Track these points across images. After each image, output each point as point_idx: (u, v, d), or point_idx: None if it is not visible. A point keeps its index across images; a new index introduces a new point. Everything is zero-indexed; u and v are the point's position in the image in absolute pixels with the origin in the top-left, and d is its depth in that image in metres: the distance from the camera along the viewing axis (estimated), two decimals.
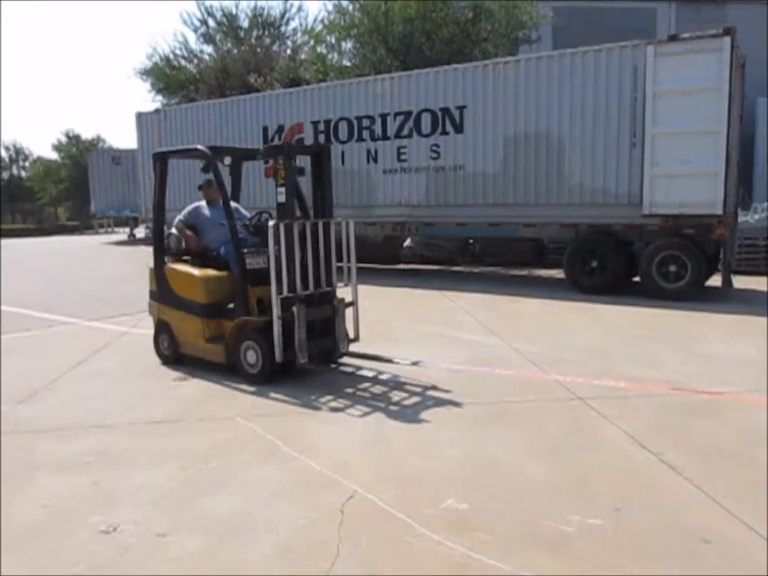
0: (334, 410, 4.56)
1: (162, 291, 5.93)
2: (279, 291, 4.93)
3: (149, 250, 6.20)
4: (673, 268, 9.26)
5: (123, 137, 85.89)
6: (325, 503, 3.12)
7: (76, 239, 29.47)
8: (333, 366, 5.68)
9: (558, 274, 12.35)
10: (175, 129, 14.45)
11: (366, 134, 11.96)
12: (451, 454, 3.72)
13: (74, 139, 41.85)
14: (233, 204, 5.84)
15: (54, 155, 43.20)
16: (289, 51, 25.08)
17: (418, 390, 4.97)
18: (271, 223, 4.95)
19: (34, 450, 3.97)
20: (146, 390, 5.19)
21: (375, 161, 11.91)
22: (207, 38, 24.58)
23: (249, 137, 13.34)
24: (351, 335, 5.59)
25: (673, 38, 9.06)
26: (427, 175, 11.37)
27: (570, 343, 6.49)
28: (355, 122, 12.04)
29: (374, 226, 12.63)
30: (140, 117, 15.28)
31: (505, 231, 11.29)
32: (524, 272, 13.10)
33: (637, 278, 9.84)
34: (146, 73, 24.39)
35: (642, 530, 2.83)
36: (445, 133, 11.10)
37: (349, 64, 17.40)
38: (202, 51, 24.64)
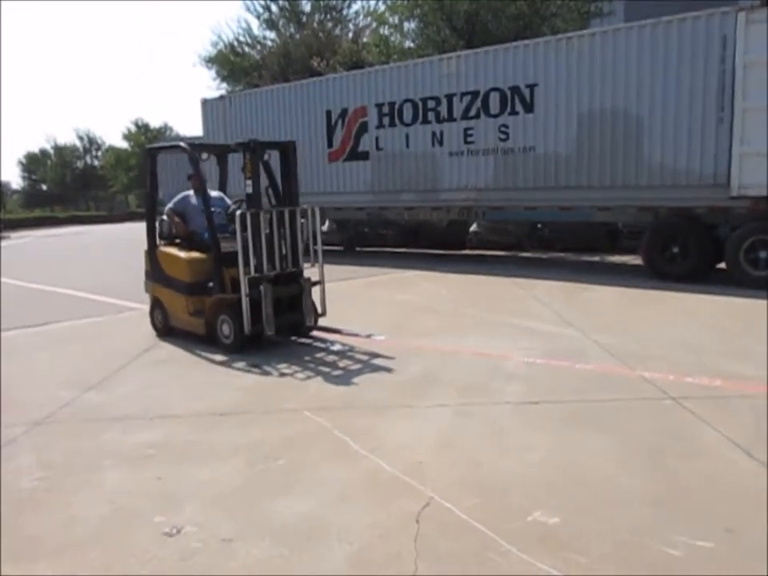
0: (407, 406, 4.33)
1: (155, 271, 6.60)
2: (247, 272, 5.51)
3: None
4: (763, 254, 8.60)
5: (189, 124, 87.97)
6: (399, 510, 2.89)
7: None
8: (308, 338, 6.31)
9: (632, 260, 11.76)
10: (239, 114, 14.44)
11: (431, 115, 11.61)
12: (532, 459, 3.42)
13: (142, 128, 43.04)
14: (218, 193, 6.72)
15: (124, 144, 44.56)
16: (351, 35, 24.86)
17: (487, 383, 4.68)
18: (238, 212, 5.56)
19: (99, 439, 3.90)
20: (210, 379, 5.09)
21: (441, 143, 11.55)
22: (270, 24, 24.59)
23: (312, 121, 13.22)
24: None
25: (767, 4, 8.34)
26: (495, 157, 10.95)
27: (654, 336, 6.04)
28: (420, 104, 11.70)
29: (439, 211, 12.32)
30: (205, 103, 15.35)
31: (577, 215, 10.77)
32: (596, 258, 12.54)
33: (721, 265, 9.20)
34: (211, 60, 24.66)
35: (761, 557, 2.48)
36: (514, 113, 10.64)
37: (412, 45, 17.01)
38: (264, 37, 24.73)
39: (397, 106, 12.00)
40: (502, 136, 10.81)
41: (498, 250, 13.82)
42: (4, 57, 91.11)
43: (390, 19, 17.75)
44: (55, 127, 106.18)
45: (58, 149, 49.03)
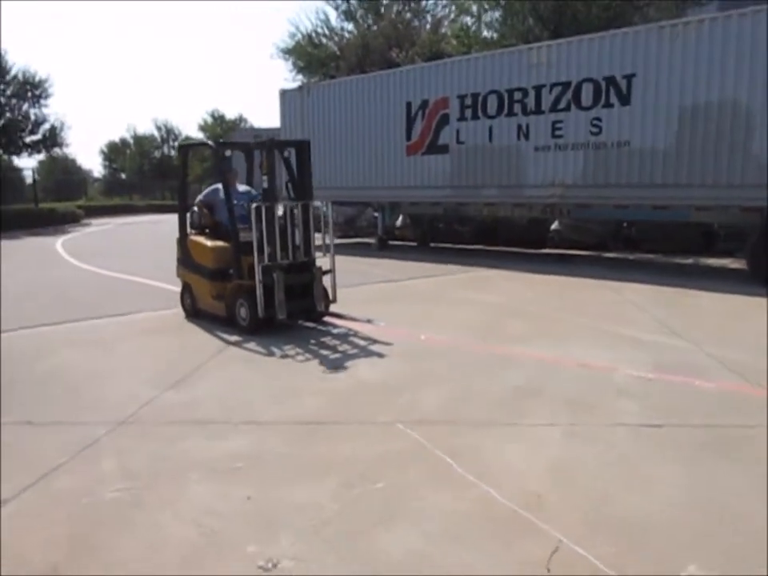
0: (510, 423, 3.93)
1: (185, 258, 7.10)
2: (261, 260, 5.97)
3: None
4: None
5: (263, 116, 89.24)
6: (523, 554, 2.51)
7: None
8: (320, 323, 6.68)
9: (731, 263, 10.96)
10: (318, 105, 14.25)
11: (517, 107, 11.07)
12: (669, 495, 2.98)
13: (218, 119, 43.75)
14: (246, 187, 7.22)
15: (200, 135, 45.45)
16: (428, 26, 24.38)
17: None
18: (254, 205, 6.01)
19: (183, 446, 3.67)
20: (295, 382, 4.82)
21: (526, 137, 11.01)
22: (348, 15, 24.37)
23: (392, 112, 12.88)
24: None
25: None
26: (585, 152, 10.33)
27: None
28: (506, 95, 11.18)
29: (520, 208, 11.79)
30: (284, 94, 15.24)
31: (672, 215, 10.07)
32: (689, 260, 11.74)
33: None
34: (288, 52, 24.64)
35: None
36: (608, 105, 9.99)
37: (494, 35, 16.43)
38: (342, 28, 24.53)
39: (480, 98, 11.52)
40: (594, 130, 10.19)
41: (580, 249, 13.16)
42: (92, 50, 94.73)
43: (472, 8, 17.17)
44: (136, 117, 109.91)
45: (138, 138, 50.55)
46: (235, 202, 6.61)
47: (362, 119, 13.47)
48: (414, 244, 14.79)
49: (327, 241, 6.70)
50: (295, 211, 6.38)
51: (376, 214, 15.56)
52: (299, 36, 24.60)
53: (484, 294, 8.33)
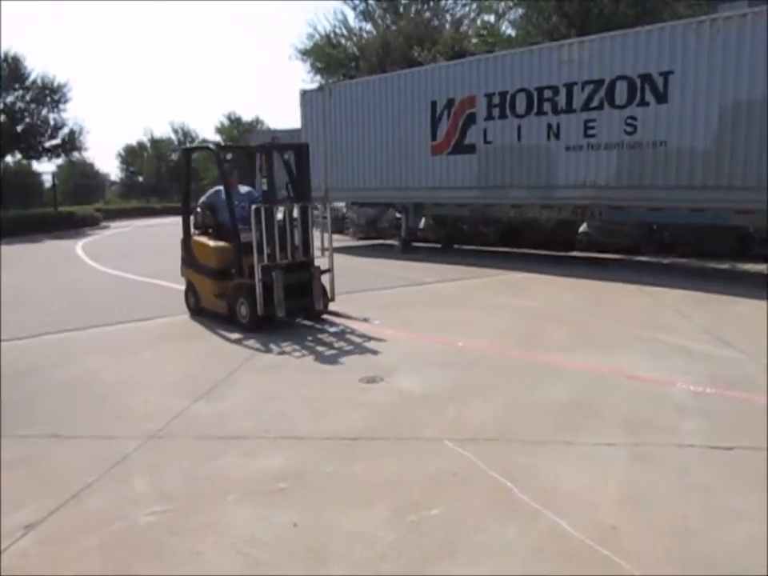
0: (567, 442, 3.65)
1: (189, 258, 7.27)
2: (260, 260, 6.10)
3: None
4: None
5: (280, 118, 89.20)
6: None
7: None
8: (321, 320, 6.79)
9: None
10: (340, 105, 14.02)
11: (547, 106, 10.76)
12: (759, 531, 2.69)
13: (235, 122, 43.72)
14: (247, 188, 7.36)
15: (217, 137, 45.48)
16: (448, 25, 24.10)
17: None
18: (254, 207, 6.13)
19: (220, 463, 3.44)
20: (332, 392, 4.58)
21: (557, 136, 10.69)
22: (366, 15, 24.18)
23: (416, 112, 12.61)
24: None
25: None
26: (619, 152, 9.99)
27: None
28: (535, 94, 10.87)
29: (549, 209, 11.48)
30: (304, 94, 15.03)
31: (710, 218, 9.69)
32: (724, 265, 11.34)
33: None
34: (306, 53, 24.48)
35: None
36: (644, 103, 9.65)
37: (519, 33, 16.12)
38: (361, 29, 24.33)
39: (509, 96, 11.21)
40: (629, 129, 9.85)
41: (610, 252, 12.80)
42: (109, 54, 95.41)
43: (495, 6, 16.89)
44: (153, 121, 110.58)
45: (154, 141, 50.64)
46: (237, 203, 6.78)
47: (385, 119, 13.22)
48: (438, 246, 14.51)
49: (327, 240, 6.82)
50: (294, 212, 6.57)
51: (398, 215, 15.33)
52: (317, 37, 24.48)
53: (517, 298, 8.04)
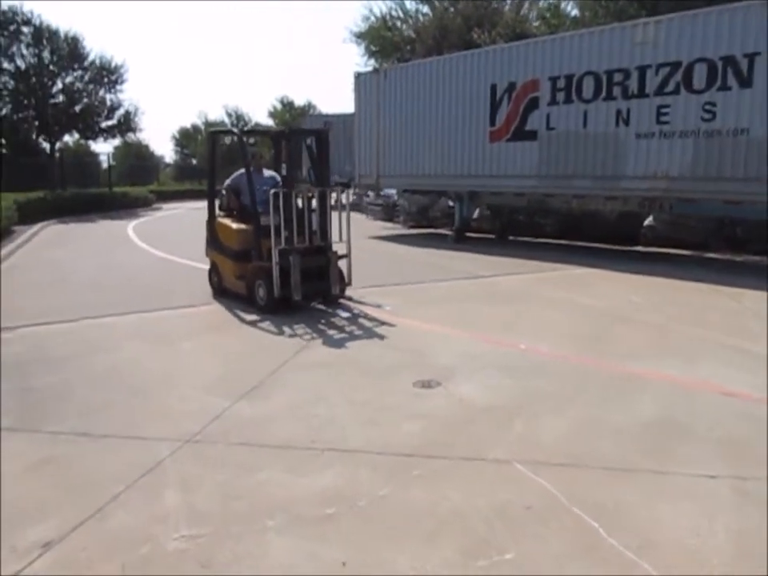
0: (656, 471, 3.15)
1: (213, 239, 7.41)
2: (278, 243, 6.16)
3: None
4: None
5: (333, 102, 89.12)
6: None
7: None
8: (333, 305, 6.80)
9: None
10: (395, 89, 13.53)
11: (616, 90, 10.05)
12: None
13: (287, 106, 43.62)
14: (271, 173, 7.38)
15: (269, 121, 45.50)
16: (507, 8, 23.26)
17: None
18: (272, 191, 6.23)
19: (260, 478, 3.07)
20: (383, 398, 4.17)
21: (626, 123, 9.99)
22: None
23: (475, 95, 12.04)
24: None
25: None
26: (695, 140, 9.26)
27: None
28: (604, 77, 10.17)
29: (614, 201, 10.81)
30: (359, 77, 14.59)
31: None
32: None
33: None
34: (361, 36, 24.00)
35: None
36: (725, 87, 8.89)
37: (587, 14, 15.30)
38: (417, 11, 23.67)
39: (575, 80, 10.53)
40: (707, 115, 9.10)
41: (677, 248, 12.02)
42: (165, 36, 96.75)
43: None
44: (207, 104, 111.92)
45: (208, 125, 51.06)
46: (259, 187, 6.81)
47: (442, 103, 12.68)
48: (492, 237, 13.93)
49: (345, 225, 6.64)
50: (314, 197, 6.59)
51: (451, 204, 14.80)
52: (372, 19, 23.96)
53: (582, 295, 7.48)
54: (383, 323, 6.07)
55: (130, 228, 16.68)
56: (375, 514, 2.73)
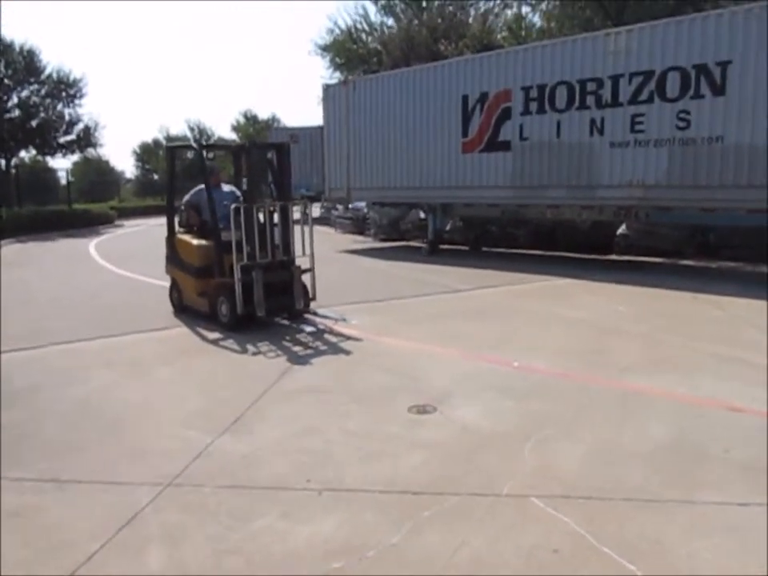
0: (686, 501, 2.94)
1: (173, 255, 7.26)
2: (240, 259, 6.08)
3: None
4: None
5: (296, 115, 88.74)
6: None
7: None
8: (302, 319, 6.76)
9: None
10: (365, 100, 13.33)
11: (590, 100, 10.01)
12: None
13: (251, 119, 43.20)
14: (230, 187, 7.29)
15: (233, 135, 44.96)
16: (471, 19, 23.34)
17: None
18: (233, 206, 6.16)
19: (254, 528, 2.76)
20: (377, 426, 3.89)
21: (601, 132, 9.95)
22: (388, 10, 23.46)
23: (446, 106, 11.91)
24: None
25: None
26: (670, 149, 9.24)
27: None
28: (577, 87, 10.13)
29: (590, 210, 10.75)
30: (327, 89, 14.37)
31: None
32: None
33: None
34: (326, 48, 23.80)
35: None
36: (698, 96, 8.89)
37: (553, 25, 15.36)
38: (382, 23, 23.61)
39: (548, 90, 10.47)
40: (681, 124, 9.10)
41: (650, 256, 12.02)
42: (125, 50, 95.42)
43: None
44: (168, 118, 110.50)
45: (170, 139, 50.23)
46: (218, 202, 6.68)
47: (413, 114, 12.52)
48: (465, 248, 13.79)
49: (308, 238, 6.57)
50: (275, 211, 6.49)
51: (423, 216, 14.63)
52: (338, 32, 23.80)
53: (566, 308, 7.32)
54: (348, 337, 5.93)
55: (91, 246, 16.12)
56: (389, 567, 2.45)
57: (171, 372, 5.23)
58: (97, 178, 41.28)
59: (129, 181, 53.52)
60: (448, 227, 14.21)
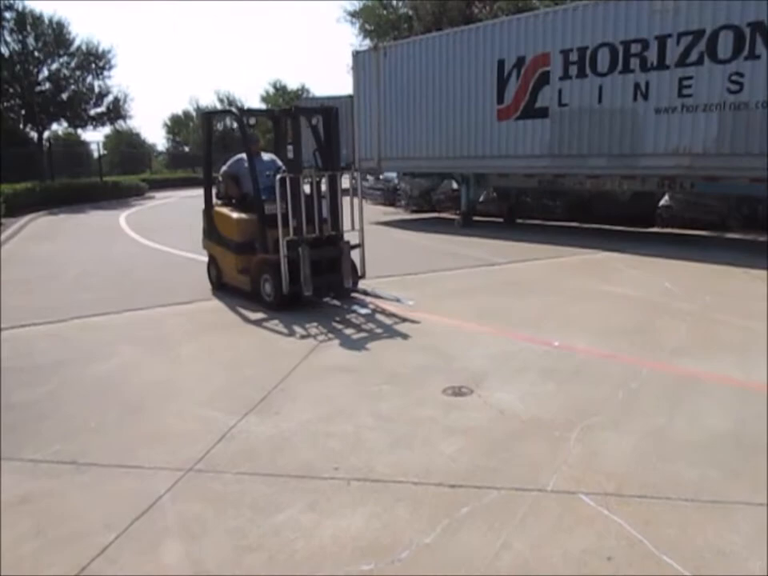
0: (745, 503, 2.65)
1: (211, 230, 6.83)
2: (286, 234, 5.61)
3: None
4: None
5: (325, 85, 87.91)
6: None
7: None
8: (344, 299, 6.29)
9: None
10: (396, 67, 12.90)
11: (634, 62, 9.47)
12: None
13: (280, 90, 42.79)
14: (270, 156, 6.82)
15: (262, 106, 44.60)
16: None
17: None
18: (278, 177, 5.65)
19: (278, 522, 2.56)
20: (413, 410, 3.65)
21: (645, 97, 9.42)
22: None
23: (480, 72, 11.44)
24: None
25: None
26: (721, 114, 8.70)
27: None
28: (620, 48, 9.58)
29: (631, 180, 10.28)
30: (357, 56, 13.96)
31: None
32: None
33: None
34: (356, 14, 23.24)
35: None
36: (754, 56, 8.31)
37: None
38: None
39: (589, 52, 9.94)
40: (734, 87, 8.53)
41: (693, 228, 11.49)
42: (154, 20, 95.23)
43: None
44: (198, 90, 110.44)
45: (200, 111, 50.18)
46: (260, 172, 6.22)
47: (446, 81, 12.07)
48: (500, 220, 13.39)
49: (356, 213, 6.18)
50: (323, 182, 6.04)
51: (456, 187, 14.23)
52: None
53: (608, 283, 6.96)
54: (404, 320, 5.57)
55: (122, 218, 16.08)
56: (423, 571, 2.22)
57: (196, 349, 5.06)
58: (128, 150, 41.43)
59: (160, 153, 53.72)
60: (481, 198, 13.82)
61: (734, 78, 8.53)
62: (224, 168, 6.93)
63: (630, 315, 5.60)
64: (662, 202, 11.85)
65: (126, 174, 30.68)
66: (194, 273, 7.47)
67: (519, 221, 13.26)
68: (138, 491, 2.84)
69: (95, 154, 29.27)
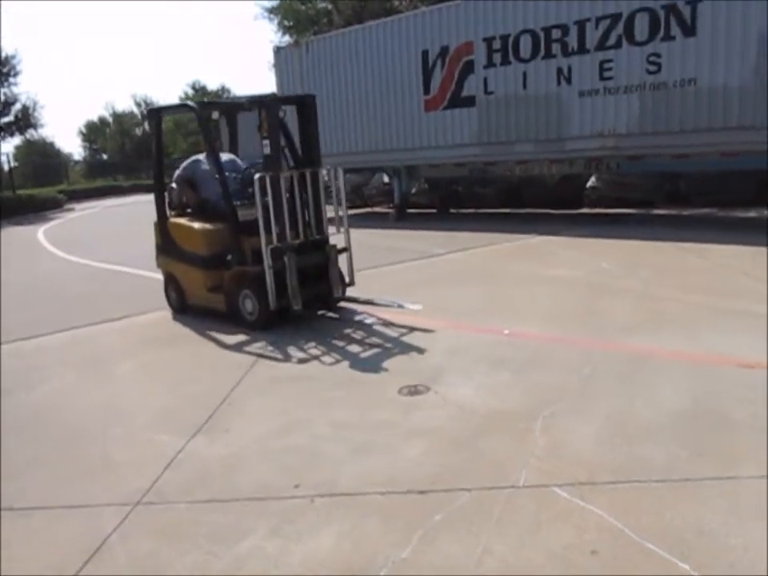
0: (729, 479, 2.64)
1: (167, 245, 6.03)
2: (269, 241, 5.00)
3: None
4: None
5: (247, 85, 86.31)
6: None
7: None
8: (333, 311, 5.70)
9: None
10: (319, 62, 12.66)
11: (556, 48, 9.59)
12: None
13: (200, 91, 41.73)
14: (229, 156, 6.16)
15: None
16: None
17: None
18: (257, 176, 5.02)
19: (238, 553, 2.37)
20: (371, 413, 3.51)
21: (568, 81, 9.56)
22: None
23: (405, 64, 11.35)
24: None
25: None
26: (641, 95, 8.91)
27: None
28: (542, 35, 9.68)
29: (559, 164, 10.44)
30: (278, 52, 13.63)
31: (744, 162, 8.72)
32: (750, 213, 10.40)
33: None
34: (274, 11, 22.79)
35: None
36: (669, 37, 8.54)
37: None
38: None
39: (511, 40, 10.00)
40: (652, 68, 8.75)
41: (620, 207, 11.81)
42: (65, 25, 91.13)
43: None
44: (114, 94, 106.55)
45: (117, 116, 48.37)
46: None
47: (371, 74, 11.93)
48: (433, 211, 13.40)
49: (340, 214, 5.65)
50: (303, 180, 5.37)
51: (387, 181, 14.15)
52: None
53: (547, 267, 7.02)
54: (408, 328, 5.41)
55: (40, 233, 15.26)
56: None
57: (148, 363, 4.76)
58: (42, 161, 39.54)
59: (77, 162, 51.59)
60: (414, 190, 13.79)
61: (651, 59, 8.75)
62: (177, 172, 6.20)
63: (574, 297, 5.64)
64: (589, 184, 12.12)
65: (42, 186, 29.25)
66: (140, 287, 7.09)
67: (452, 210, 13.32)
68: (83, 533, 2.59)
69: (5, 166, 27.82)
